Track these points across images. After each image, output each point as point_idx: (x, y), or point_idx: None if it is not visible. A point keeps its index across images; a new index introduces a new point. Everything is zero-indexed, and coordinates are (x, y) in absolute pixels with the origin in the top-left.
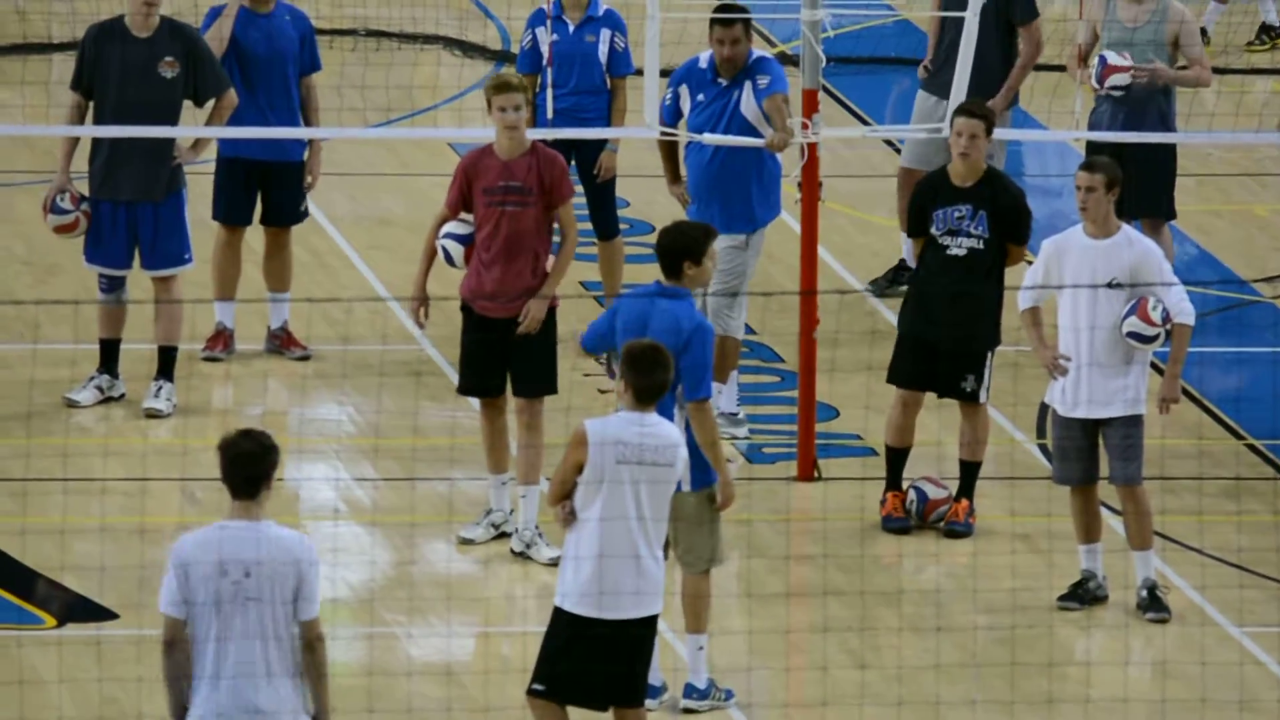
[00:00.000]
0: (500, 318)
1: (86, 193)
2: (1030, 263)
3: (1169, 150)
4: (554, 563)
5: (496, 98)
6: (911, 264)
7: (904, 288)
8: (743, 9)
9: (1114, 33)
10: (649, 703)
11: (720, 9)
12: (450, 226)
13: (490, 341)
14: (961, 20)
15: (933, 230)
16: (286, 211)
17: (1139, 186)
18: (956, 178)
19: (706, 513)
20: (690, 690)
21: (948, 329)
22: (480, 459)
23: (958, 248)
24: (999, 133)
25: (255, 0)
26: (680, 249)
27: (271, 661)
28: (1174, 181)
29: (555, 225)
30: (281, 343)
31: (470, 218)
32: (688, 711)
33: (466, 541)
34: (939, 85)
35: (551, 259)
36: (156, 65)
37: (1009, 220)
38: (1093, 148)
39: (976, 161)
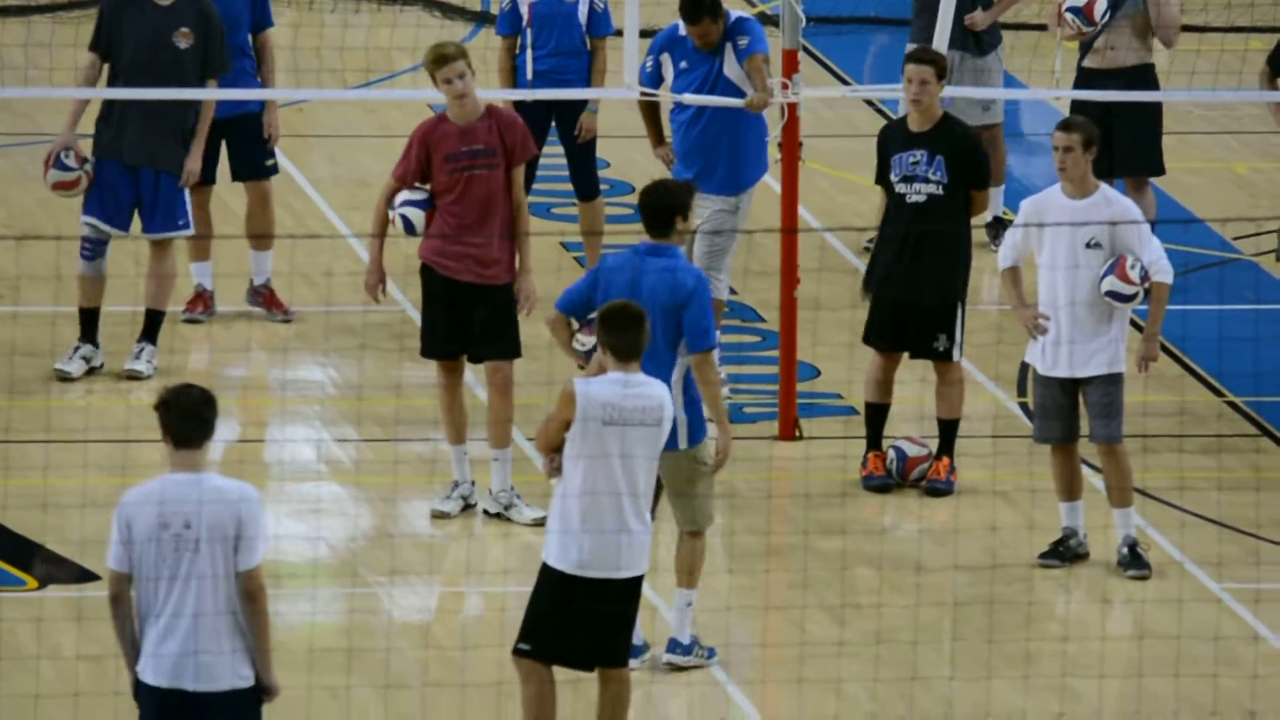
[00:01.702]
0: (465, 280)
1: (90, 154)
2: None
3: (1155, 106)
4: (538, 523)
5: (438, 71)
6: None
7: None
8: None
9: None
10: (632, 662)
11: (684, 1)
12: (406, 194)
13: (453, 304)
14: None
15: (891, 177)
16: (252, 163)
17: (1129, 144)
18: (913, 124)
19: (701, 470)
20: (674, 645)
21: (916, 283)
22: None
23: (916, 194)
24: (989, 92)
25: None
26: (672, 205)
27: (216, 613)
28: (1161, 138)
29: None
30: (264, 300)
31: (424, 186)
32: (671, 667)
33: (441, 515)
34: (919, 31)
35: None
36: (171, 34)
37: (965, 164)
38: (1076, 108)
39: (930, 107)
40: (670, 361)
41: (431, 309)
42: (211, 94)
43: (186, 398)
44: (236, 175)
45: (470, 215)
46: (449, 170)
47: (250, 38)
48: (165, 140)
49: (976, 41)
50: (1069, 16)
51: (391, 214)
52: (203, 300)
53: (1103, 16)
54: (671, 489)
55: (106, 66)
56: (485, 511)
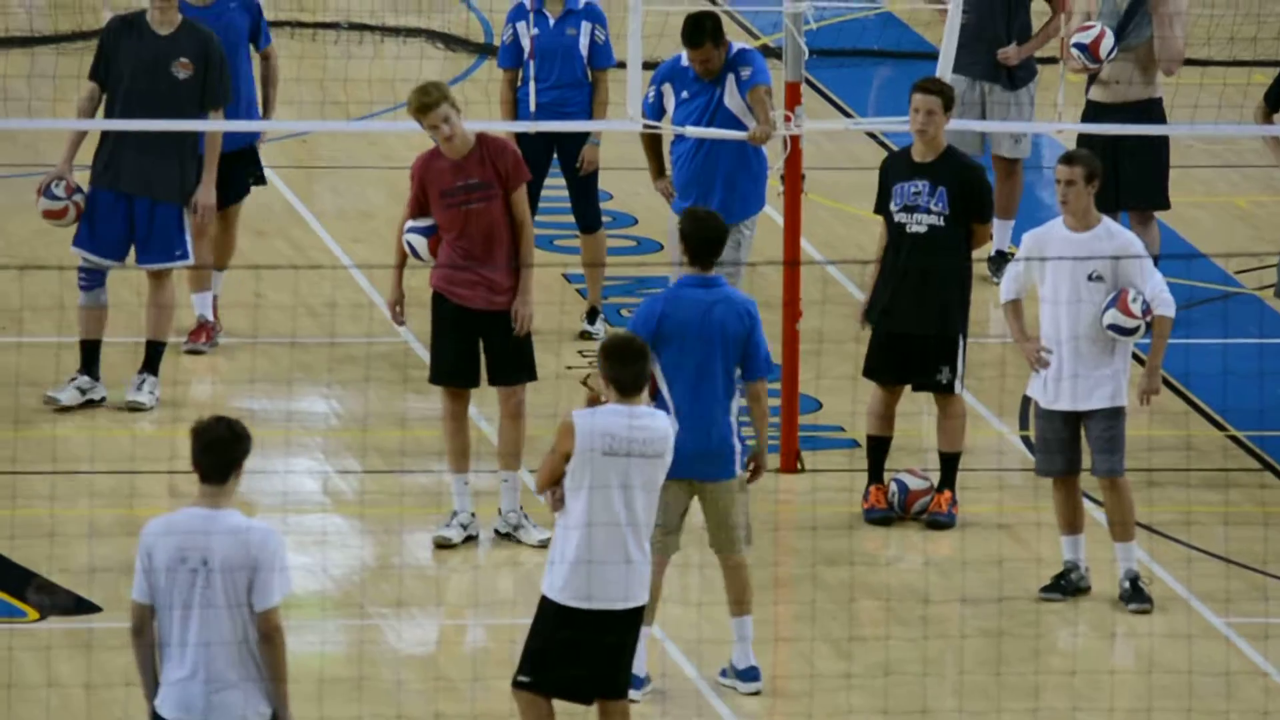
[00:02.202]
0: (477, 308)
1: (86, 185)
2: (1011, 255)
3: (1162, 140)
4: (544, 544)
5: (422, 119)
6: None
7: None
8: (709, 24)
9: (1106, 6)
10: (632, 693)
11: (687, 25)
12: (411, 223)
13: (464, 332)
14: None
15: (891, 206)
16: (230, 196)
17: (1134, 178)
18: (916, 154)
19: (745, 494)
20: (748, 674)
21: (917, 315)
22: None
23: (917, 225)
24: (981, 124)
25: None
26: (721, 236)
27: (226, 646)
28: (1168, 172)
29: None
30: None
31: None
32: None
33: (445, 544)
34: (963, 66)
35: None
36: (170, 64)
37: (969, 196)
38: (1083, 142)
39: (935, 138)
40: (730, 391)
41: (441, 336)
42: (216, 126)
43: (210, 432)
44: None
45: (476, 248)
46: (445, 205)
47: (249, 68)
48: (162, 169)
49: (1009, 76)
50: (1075, 52)
51: (401, 240)
52: (205, 331)
53: (1108, 54)
54: (722, 517)
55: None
56: (496, 531)
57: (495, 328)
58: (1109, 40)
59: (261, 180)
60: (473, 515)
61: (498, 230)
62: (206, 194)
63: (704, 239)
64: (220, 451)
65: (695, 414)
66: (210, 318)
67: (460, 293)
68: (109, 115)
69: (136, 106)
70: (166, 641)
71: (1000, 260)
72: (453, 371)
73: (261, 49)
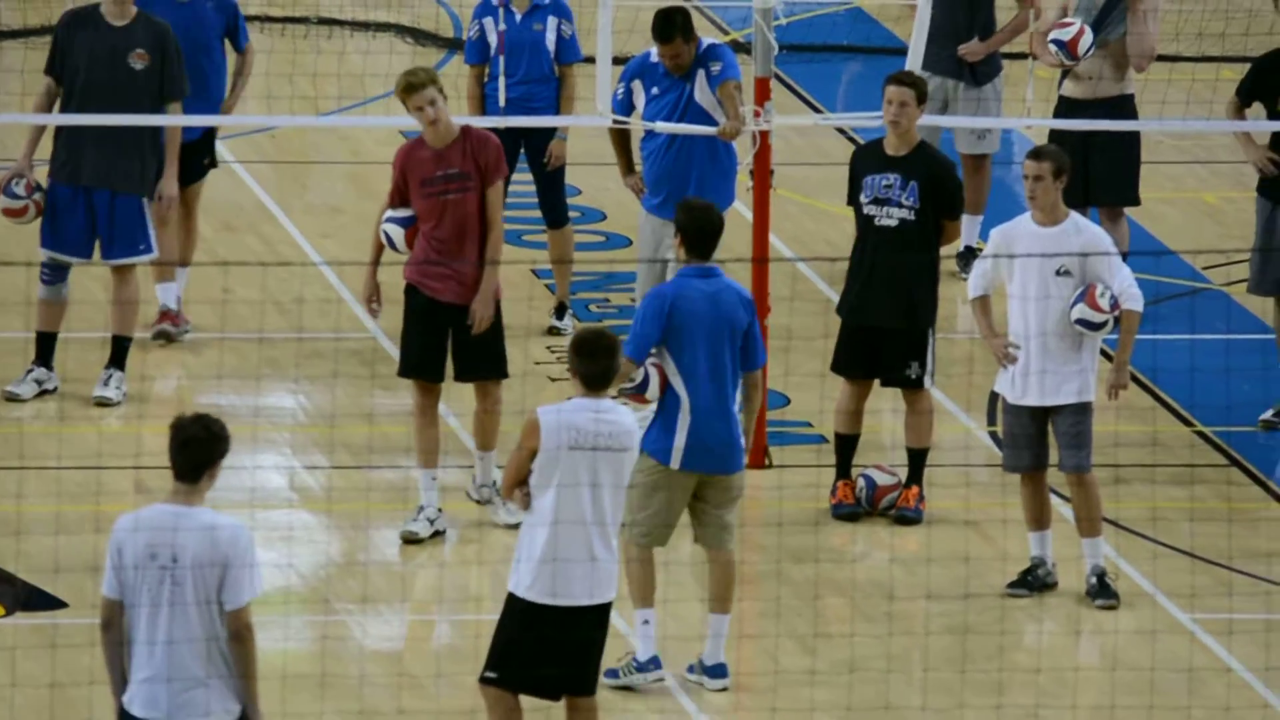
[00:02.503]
0: (448, 302)
1: (45, 181)
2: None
3: (1134, 136)
4: (515, 526)
5: (409, 99)
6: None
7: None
8: (680, 19)
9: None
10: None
11: (658, 20)
12: (390, 212)
13: (435, 325)
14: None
15: (861, 198)
16: (186, 180)
17: (1104, 173)
18: (889, 147)
19: (742, 489)
20: (718, 670)
21: (886, 309)
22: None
23: (887, 218)
24: (980, 120)
25: None
26: (718, 226)
27: (193, 644)
28: (1139, 168)
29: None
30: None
31: (408, 205)
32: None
33: (412, 539)
34: (928, 63)
35: None
36: (127, 55)
37: (940, 191)
38: (1054, 137)
39: (908, 131)
40: (736, 382)
41: (412, 329)
42: (181, 120)
43: (184, 431)
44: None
45: (450, 239)
46: (425, 194)
47: (220, 65)
48: (123, 161)
49: (973, 72)
50: (1052, 48)
51: (379, 229)
52: (169, 317)
53: (1086, 52)
54: (722, 511)
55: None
56: (468, 494)
57: (464, 322)
58: (1088, 37)
59: (213, 163)
60: (440, 510)
61: (471, 223)
62: (170, 185)
63: (702, 230)
64: (196, 451)
65: (713, 407)
66: (173, 307)
67: (432, 285)
68: (66, 109)
69: (94, 99)
70: (135, 639)
71: (969, 256)
72: (420, 364)
73: (241, 48)
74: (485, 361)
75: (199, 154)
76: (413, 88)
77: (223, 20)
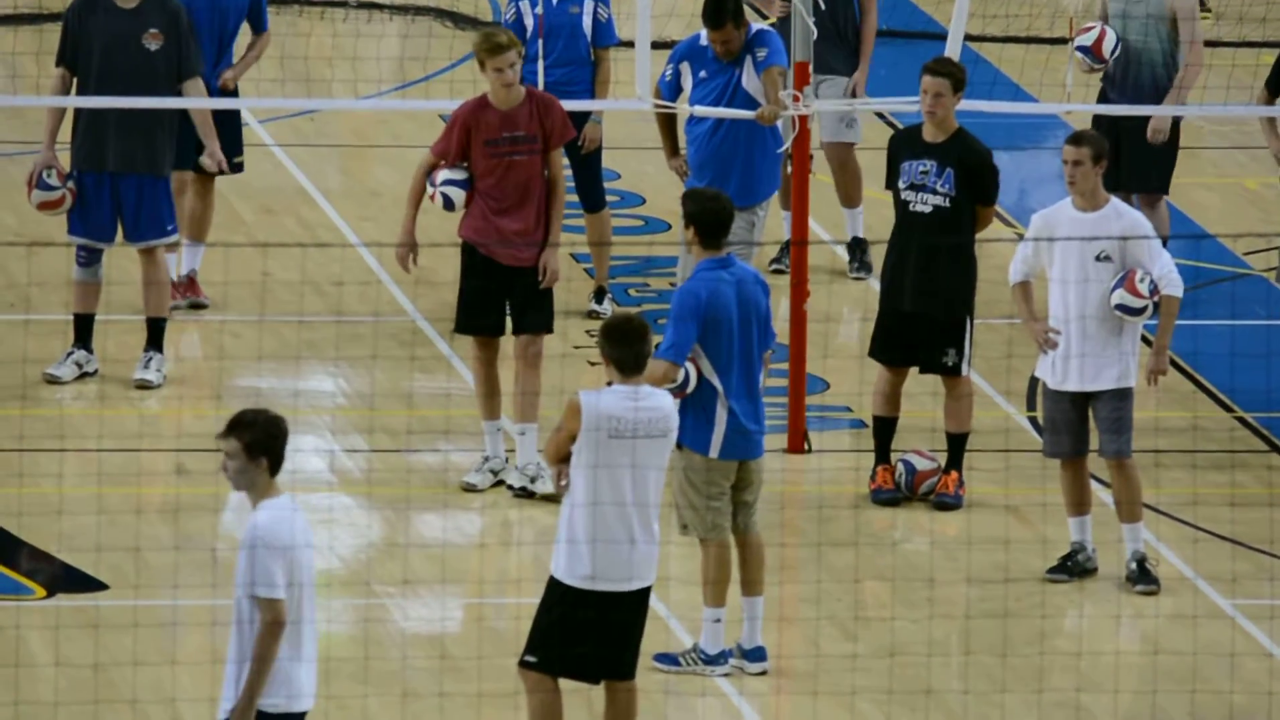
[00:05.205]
0: (505, 264)
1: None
2: (1020, 236)
3: (1173, 125)
4: (558, 500)
5: (491, 60)
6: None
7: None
8: (731, 5)
9: (1114, 3)
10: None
11: (709, 5)
12: (447, 173)
13: (491, 285)
14: None
15: (899, 184)
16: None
17: (1136, 160)
18: (927, 134)
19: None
20: (749, 651)
21: (923, 296)
22: (472, 429)
23: (922, 204)
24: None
25: None
26: (729, 215)
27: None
28: (1174, 156)
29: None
30: (182, 290)
31: (465, 165)
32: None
33: (470, 488)
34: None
35: None
36: (140, 36)
37: (976, 178)
38: (1095, 123)
39: (944, 119)
40: (760, 365)
41: (470, 284)
42: (202, 102)
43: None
44: (198, 167)
45: (509, 199)
46: (489, 155)
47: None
48: (144, 144)
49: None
50: (1079, 55)
51: (432, 190)
52: (182, 288)
53: (1112, 52)
54: (754, 495)
55: (76, 78)
56: (510, 487)
57: (521, 277)
58: (1110, 38)
59: (239, 166)
60: (505, 460)
61: (533, 184)
62: (214, 147)
63: (717, 219)
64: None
65: (751, 394)
66: (173, 278)
67: (491, 248)
68: (82, 95)
69: (112, 83)
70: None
71: (856, 245)
72: (479, 320)
73: (261, 30)
74: (540, 315)
75: (221, 132)
76: (499, 48)
77: (248, 1)
